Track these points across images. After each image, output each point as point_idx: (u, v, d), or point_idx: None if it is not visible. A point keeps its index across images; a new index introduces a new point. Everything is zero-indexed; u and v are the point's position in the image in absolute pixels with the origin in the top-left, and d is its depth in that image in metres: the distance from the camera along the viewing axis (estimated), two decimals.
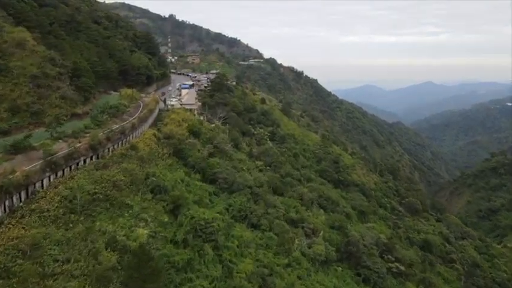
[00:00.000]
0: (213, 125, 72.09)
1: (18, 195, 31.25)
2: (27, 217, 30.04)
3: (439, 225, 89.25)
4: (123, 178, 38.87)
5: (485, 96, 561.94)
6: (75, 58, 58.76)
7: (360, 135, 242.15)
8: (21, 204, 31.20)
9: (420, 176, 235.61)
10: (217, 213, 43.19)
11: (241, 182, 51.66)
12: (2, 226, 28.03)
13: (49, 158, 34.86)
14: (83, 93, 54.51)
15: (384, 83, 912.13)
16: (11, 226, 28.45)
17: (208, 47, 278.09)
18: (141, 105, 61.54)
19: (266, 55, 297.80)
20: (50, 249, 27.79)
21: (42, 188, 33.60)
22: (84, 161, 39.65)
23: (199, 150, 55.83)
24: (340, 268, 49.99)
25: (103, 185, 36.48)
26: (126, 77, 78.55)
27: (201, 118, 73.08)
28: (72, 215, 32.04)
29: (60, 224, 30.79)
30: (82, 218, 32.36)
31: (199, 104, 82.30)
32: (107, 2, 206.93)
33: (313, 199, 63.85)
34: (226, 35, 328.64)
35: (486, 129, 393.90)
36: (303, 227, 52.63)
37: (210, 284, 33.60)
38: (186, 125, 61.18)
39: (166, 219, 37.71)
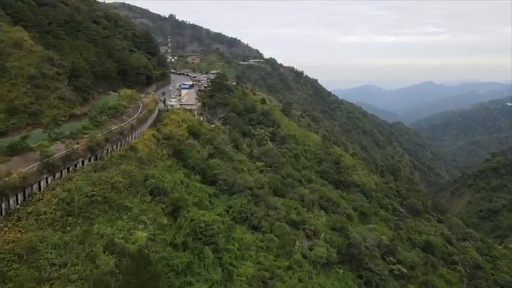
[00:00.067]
0: (213, 125, 71.55)
1: (14, 198, 30.65)
2: (23, 220, 29.46)
3: (440, 226, 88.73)
4: (121, 180, 38.29)
5: (485, 96, 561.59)
6: (74, 58, 58.13)
7: (360, 136, 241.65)
8: (17, 206, 30.61)
9: (420, 176, 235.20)
10: (218, 215, 42.66)
11: (241, 184, 51.11)
12: None
13: (46, 159, 34.27)
14: (82, 94, 53.88)
15: (384, 83, 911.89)
16: (7, 229, 27.86)
17: (208, 47, 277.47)
18: (141, 105, 60.91)
19: (266, 55, 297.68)
20: (47, 253, 27.22)
21: (40, 190, 33.00)
22: (82, 163, 39.05)
23: (199, 151, 55.28)
24: (341, 270, 49.46)
25: (101, 186, 35.90)
26: (126, 77, 77.90)
27: (201, 118, 72.54)
28: (70, 218, 31.47)
29: (58, 227, 30.21)
30: (80, 221, 31.78)
31: (199, 104, 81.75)
32: (106, 1, 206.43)
33: (314, 200, 63.36)
34: (226, 35, 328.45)
35: (486, 129, 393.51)
36: (304, 229, 52.16)
37: (210, 287, 33.03)
38: (186, 125, 60.64)
39: (165, 222, 37.15)
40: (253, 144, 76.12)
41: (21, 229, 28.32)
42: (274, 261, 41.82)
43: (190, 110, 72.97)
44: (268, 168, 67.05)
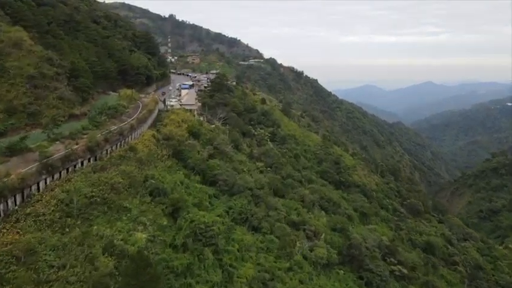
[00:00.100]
0: (213, 125, 71.32)
1: (13, 199, 30.43)
2: (22, 221, 29.23)
3: (441, 226, 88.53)
4: (121, 180, 38.06)
5: (485, 96, 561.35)
6: (74, 58, 57.87)
7: (360, 136, 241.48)
8: (16, 208, 30.38)
9: (420, 176, 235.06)
10: (218, 216, 42.43)
11: (241, 184, 50.88)
12: None
13: (45, 160, 34.05)
14: (81, 94, 53.63)
15: (384, 83, 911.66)
16: (5, 231, 27.63)
17: (208, 47, 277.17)
18: (140, 105, 60.68)
19: (266, 55, 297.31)
20: (45, 254, 27.00)
21: (38, 191, 32.80)
22: (82, 163, 38.82)
23: (199, 152, 55.04)
24: (342, 271, 49.24)
25: (101, 187, 35.68)
26: (125, 77, 77.65)
27: (201, 119, 72.31)
28: (69, 219, 31.23)
29: (56, 229, 29.98)
30: (79, 222, 31.55)
31: (199, 104, 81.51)
32: (106, 1, 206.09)
33: (314, 201, 63.15)
34: (226, 35, 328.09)
35: (486, 129, 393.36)
36: (304, 230, 51.95)
37: None
38: (186, 125, 60.40)
39: (165, 223, 36.92)
40: (253, 145, 75.90)
41: (19, 231, 28.10)
42: (275, 262, 41.59)
43: (190, 110, 72.75)
44: (269, 169, 66.82)
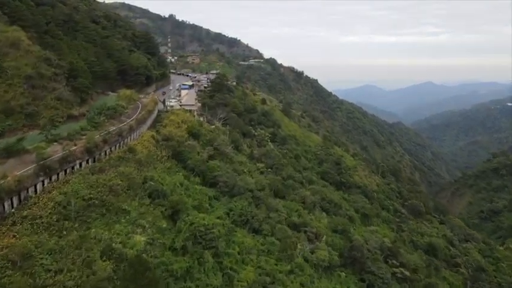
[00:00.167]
0: (213, 126, 70.75)
1: (9, 201, 29.95)
2: (18, 224, 28.76)
3: (442, 227, 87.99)
4: (120, 182, 37.53)
5: (485, 97, 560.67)
6: (72, 58, 57.35)
7: (361, 136, 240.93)
8: (12, 210, 29.89)
9: (421, 177, 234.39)
10: (218, 218, 41.83)
11: (242, 186, 50.31)
12: None
13: (42, 161, 33.50)
14: (80, 94, 53.08)
15: (384, 83, 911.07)
16: (1, 234, 27.23)
17: (208, 47, 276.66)
18: (140, 106, 60.11)
19: (266, 55, 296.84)
20: (42, 258, 26.51)
21: (35, 193, 32.29)
22: (80, 165, 38.28)
23: (199, 153, 54.49)
24: (343, 274, 48.71)
25: (99, 189, 35.15)
26: (125, 78, 77.10)
27: (201, 119, 71.74)
28: (66, 222, 30.72)
29: (53, 232, 29.47)
30: (76, 225, 31.03)
31: (199, 104, 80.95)
32: (106, 1, 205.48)
33: (315, 202, 62.58)
34: (226, 35, 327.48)
35: (486, 129, 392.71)
36: (305, 231, 51.37)
37: None
38: (186, 126, 59.85)
39: (164, 225, 36.37)
40: (254, 145, 75.34)
41: (15, 234, 27.62)
42: (276, 265, 41.01)
43: (190, 111, 72.19)
44: (269, 170, 66.25)
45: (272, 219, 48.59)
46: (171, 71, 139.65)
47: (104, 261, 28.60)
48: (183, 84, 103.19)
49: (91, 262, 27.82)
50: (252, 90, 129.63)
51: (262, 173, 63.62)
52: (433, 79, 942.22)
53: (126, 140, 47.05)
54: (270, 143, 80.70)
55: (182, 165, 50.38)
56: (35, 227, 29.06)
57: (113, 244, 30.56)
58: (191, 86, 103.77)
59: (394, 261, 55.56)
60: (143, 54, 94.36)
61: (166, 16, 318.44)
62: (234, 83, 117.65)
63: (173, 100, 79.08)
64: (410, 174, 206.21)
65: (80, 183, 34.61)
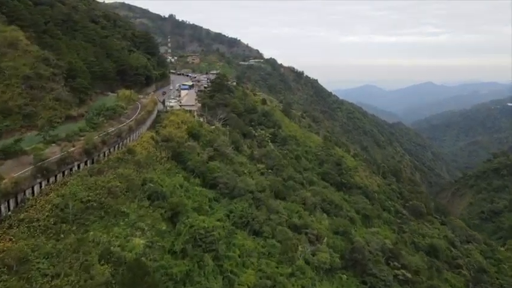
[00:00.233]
0: (213, 126, 70.24)
1: (6, 204, 29.39)
2: (15, 228, 28.18)
3: (443, 228, 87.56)
4: (118, 184, 36.99)
5: (485, 97, 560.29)
6: (71, 58, 56.86)
7: (361, 136, 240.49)
8: (9, 213, 29.33)
9: (421, 177, 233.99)
10: (218, 220, 41.37)
11: (242, 187, 49.79)
12: None
13: (40, 163, 32.97)
14: (78, 95, 52.59)
15: (384, 83, 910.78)
16: None
17: (208, 47, 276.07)
18: (139, 106, 59.62)
19: (266, 55, 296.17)
20: (39, 262, 25.94)
21: (33, 196, 31.73)
22: (78, 166, 37.74)
23: (198, 154, 53.97)
24: (345, 276, 48.27)
25: (97, 191, 34.61)
26: (124, 78, 76.59)
27: (201, 120, 71.23)
28: (64, 225, 30.16)
29: (51, 235, 28.92)
30: (74, 228, 30.47)
31: (199, 105, 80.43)
32: (106, 1, 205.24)
33: (316, 203, 62.12)
34: (226, 35, 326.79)
35: (487, 129, 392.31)
36: (306, 233, 50.91)
37: None
38: (186, 127, 59.33)
39: (164, 228, 35.83)
40: (254, 146, 74.83)
41: (12, 237, 27.05)
42: (277, 267, 40.52)
43: (190, 111, 71.68)
44: (269, 171, 65.77)
45: (273, 221, 48.13)
46: (171, 71, 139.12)
47: (102, 265, 28.05)
48: (183, 85, 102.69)
49: (89, 266, 27.28)
50: (252, 91, 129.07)
51: (262, 174, 63.14)
52: (433, 79, 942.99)
53: (125, 141, 46.52)
54: (270, 144, 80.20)
55: (182, 167, 49.86)
56: (31, 230, 28.51)
57: (112, 247, 30.02)
58: (191, 86, 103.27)
59: (396, 263, 55.14)
60: (143, 54, 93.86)
61: (166, 16, 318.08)
62: (234, 83, 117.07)
63: (173, 100, 78.55)
64: (411, 174, 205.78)
65: (78, 185, 34.09)
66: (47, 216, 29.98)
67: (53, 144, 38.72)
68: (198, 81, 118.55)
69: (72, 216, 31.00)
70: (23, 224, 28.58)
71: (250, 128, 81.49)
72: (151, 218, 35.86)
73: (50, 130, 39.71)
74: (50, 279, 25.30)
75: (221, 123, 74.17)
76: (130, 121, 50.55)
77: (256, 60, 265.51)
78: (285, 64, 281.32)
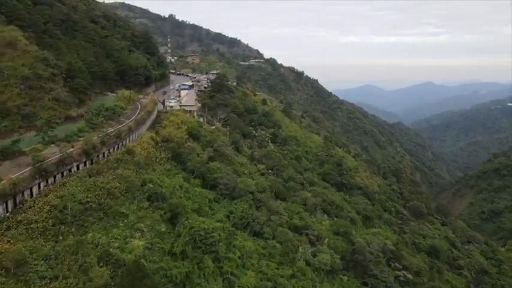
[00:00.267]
0: (213, 127, 69.97)
1: (4, 205, 29.12)
2: (13, 229, 27.91)
3: (444, 229, 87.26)
4: (118, 185, 36.72)
5: (485, 97, 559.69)
6: (71, 58, 56.59)
7: (361, 136, 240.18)
8: (7, 214, 29.05)
9: (421, 177, 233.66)
10: (218, 221, 41.08)
11: (242, 188, 49.51)
12: None
13: (39, 164, 32.67)
14: (78, 95, 52.31)
15: (384, 83, 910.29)
16: None
17: (208, 47, 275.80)
18: (139, 107, 59.37)
19: (266, 55, 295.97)
20: (37, 265, 25.65)
21: (31, 197, 31.45)
22: (77, 167, 37.47)
23: (198, 154, 53.69)
24: (346, 277, 47.98)
25: (96, 192, 34.32)
26: (124, 78, 76.30)
27: (201, 120, 70.95)
28: (62, 226, 29.87)
29: (49, 237, 28.63)
30: (73, 229, 30.19)
31: (199, 105, 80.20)
32: (106, 1, 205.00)
33: (316, 204, 61.81)
34: (226, 35, 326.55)
35: (487, 129, 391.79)
36: (307, 234, 50.68)
37: None
38: (186, 127, 59.07)
39: (163, 229, 35.52)
40: (254, 146, 74.57)
41: (10, 239, 26.76)
42: (277, 269, 40.23)
43: (190, 111, 71.43)
44: (270, 171, 65.49)
45: (273, 222, 47.86)
46: (171, 71, 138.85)
47: (101, 267, 27.77)
48: (183, 85, 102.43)
49: (88, 268, 26.99)
50: (252, 91, 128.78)
51: (263, 174, 62.87)
52: (433, 79, 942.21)
53: (124, 142, 46.25)
54: (270, 144, 79.95)
55: (182, 167, 49.59)
56: (30, 231, 28.23)
57: (111, 249, 29.75)
58: (191, 87, 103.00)
59: (397, 264, 54.84)
60: (142, 54, 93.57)
61: (166, 16, 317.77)
62: (234, 83, 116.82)
63: (173, 100, 78.26)
64: (411, 174, 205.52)
65: (77, 186, 33.80)
66: (45, 217, 29.69)
67: (52, 145, 38.48)
68: (198, 81, 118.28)
69: (71, 218, 30.72)
70: (21, 226, 28.31)
71: (251, 128, 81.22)
72: (150, 219, 35.56)
73: (49, 131, 39.42)
74: (48, 281, 25.02)
75: (221, 124, 73.93)
76: (130, 121, 50.27)
77: (256, 60, 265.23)
78: (285, 64, 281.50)
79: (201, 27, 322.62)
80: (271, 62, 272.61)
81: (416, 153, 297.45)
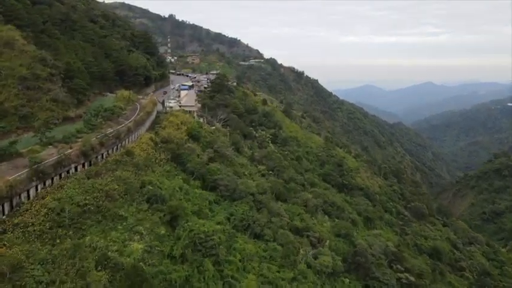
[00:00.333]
0: (213, 127, 69.41)
1: (0, 208, 28.61)
2: (9, 233, 27.42)
3: (446, 230, 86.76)
4: (116, 187, 36.19)
5: (485, 97, 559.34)
6: (69, 58, 56.04)
7: (361, 136, 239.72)
8: (3, 217, 28.52)
9: (422, 177, 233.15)
10: (218, 223, 40.51)
11: (243, 189, 48.96)
12: None
13: (36, 166, 32.12)
14: (76, 95, 51.77)
15: (384, 83, 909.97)
16: None
17: (208, 47, 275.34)
18: (138, 107, 58.84)
19: (266, 55, 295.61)
20: (33, 269, 25.11)
21: (28, 199, 30.91)
22: (75, 169, 36.92)
23: (198, 155, 53.12)
24: (347, 280, 47.38)
25: (95, 195, 33.78)
26: (123, 78, 75.76)
27: (201, 120, 70.39)
28: (60, 230, 29.36)
29: (46, 240, 28.12)
30: (70, 233, 29.66)
31: (199, 105, 79.62)
32: (106, 1, 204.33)
33: (317, 205, 61.24)
34: (226, 35, 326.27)
35: (487, 129, 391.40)
36: (308, 236, 50.05)
37: None
38: (185, 128, 58.51)
39: (163, 232, 34.96)
40: (255, 147, 74.02)
41: (6, 243, 26.20)
42: (278, 272, 39.66)
43: (190, 112, 70.86)
44: (270, 172, 64.94)
45: (274, 223, 47.30)
46: (171, 71, 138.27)
47: (99, 271, 27.25)
48: (183, 85, 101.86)
49: (85, 273, 26.45)
50: (252, 91, 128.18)
51: (263, 175, 62.33)
52: (433, 79, 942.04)
53: (123, 143, 45.70)
54: (271, 145, 79.42)
55: (181, 169, 49.03)
56: (26, 235, 27.71)
57: (109, 252, 29.20)
58: (191, 87, 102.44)
59: (399, 266, 54.21)
60: (142, 54, 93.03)
61: (166, 16, 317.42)
62: (235, 84, 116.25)
63: (172, 101, 77.68)
64: (412, 175, 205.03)
65: (75, 188, 33.26)
66: (42, 220, 29.17)
67: (50, 146, 37.96)
68: (198, 82, 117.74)
69: (69, 221, 30.17)
70: (18, 229, 27.79)
71: (251, 128, 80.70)
72: (150, 222, 35.01)
73: (47, 132, 38.88)
74: (45, 286, 24.53)
75: (221, 124, 73.38)
76: (129, 122, 49.73)
77: (256, 60, 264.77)
78: (285, 64, 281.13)
79: (201, 27, 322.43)
80: (271, 62, 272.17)
81: (416, 153, 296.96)
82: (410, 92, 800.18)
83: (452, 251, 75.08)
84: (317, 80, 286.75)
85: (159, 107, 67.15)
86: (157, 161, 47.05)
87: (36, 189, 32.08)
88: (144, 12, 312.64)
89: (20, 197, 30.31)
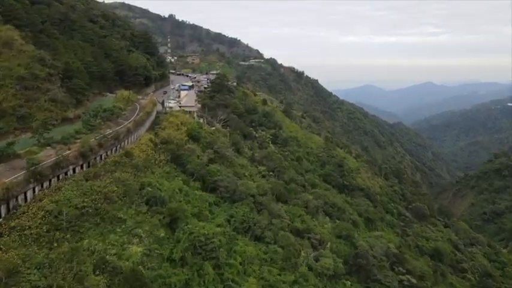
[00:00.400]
0: (214, 128, 68.94)
1: None
2: (5, 236, 27.00)
3: (447, 231, 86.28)
4: (115, 189, 35.75)
5: (485, 97, 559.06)
6: (68, 58, 55.59)
7: (361, 136, 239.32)
8: (0, 220, 28.03)
9: (422, 177, 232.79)
10: (218, 225, 40.11)
11: (243, 191, 48.51)
12: None
13: (33, 167, 31.65)
14: (75, 96, 51.31)
15: (384, 83, 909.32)
16: None
17: (208, 47, 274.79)
18: (138, 107, 58.36)
19: (266, 55, 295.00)
20: (30, 274, 24.70)
21: (25, 202, 30.43)
22: (74, 170, 36.44)
23: (198, 156, 52.65)
24: (349, 282, 46.95)
25: (93, 197, 33.35)
26: (123, 78, 75.27)
27: (201, 121, 69.90)
28: (57, 233, 28.93)
29: (43, 244, 27.69)
30: (68, 236, 29.23)
31: (199, 106, 79.14)
32: (106, 1, 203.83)
33: (318, 206, 60.77)
34: (226, 35, 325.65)
35: (487, 129, 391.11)
36: (309, 238, 49.62)
37: None
38: (185, 128, 58.03)
39: (162, 235, 34.51)
40: (255, 147, 73.54)
41: (2, 247, 25.78)
42: (279, 275, 39.22)
43: (190, 112, 70.36)
44: (271, 173, 64.45)
45: (275, 225, 46.83)
46: (171, 71, 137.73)
47: (97, 275, 26.82)
48: (183, 85, 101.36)
49: (83, 277, 26.00)
50: (252, 91, 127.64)
51: (263, 176, 61.87)
52: (433, 79, 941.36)
53: (122, 144, 45.22)
54: (271, 145, 78.95)
55: (181, 170, 48.56)
56: (23, 238, 27.27)
57: (107, 256, 28.78)
58: (191, 87, 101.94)
59: (401, 268, 53.83)
60: (142, 54, 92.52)
61: (166, 16, 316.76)
62: (235, 84, 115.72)
63: (172, 101, 77.19)
64: (412, 175, 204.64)
65: (73, 191, 32.81)
66: (39, 223, 28.74)
67: (48, 147, 37.51)
68: (198, 82, 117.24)
69: (66, 224, 29.73)
70: (14, 232, 27.38)
71: (251, 129, 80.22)
72: (149, 225, 34.57)
73: (45, 132, 38.45)
74: None
75: (221, 125, 72.91)
76: (129, 123, 49.25)
77: (256, 60, 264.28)
78: (285, 64, 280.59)
79: (201, 27, 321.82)
80: (271, 62, 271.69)
81: (416, 154, 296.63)
82: (410, 92, 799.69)
83: (454, 252, 74.65)
84: (317, 80, 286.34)
85: (159, 107, 66.65)
86: (156, 162, 46.60)
87: (34, 191, 31.63)
88: (144, 12, 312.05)
89: (17, 199, 29.86)
